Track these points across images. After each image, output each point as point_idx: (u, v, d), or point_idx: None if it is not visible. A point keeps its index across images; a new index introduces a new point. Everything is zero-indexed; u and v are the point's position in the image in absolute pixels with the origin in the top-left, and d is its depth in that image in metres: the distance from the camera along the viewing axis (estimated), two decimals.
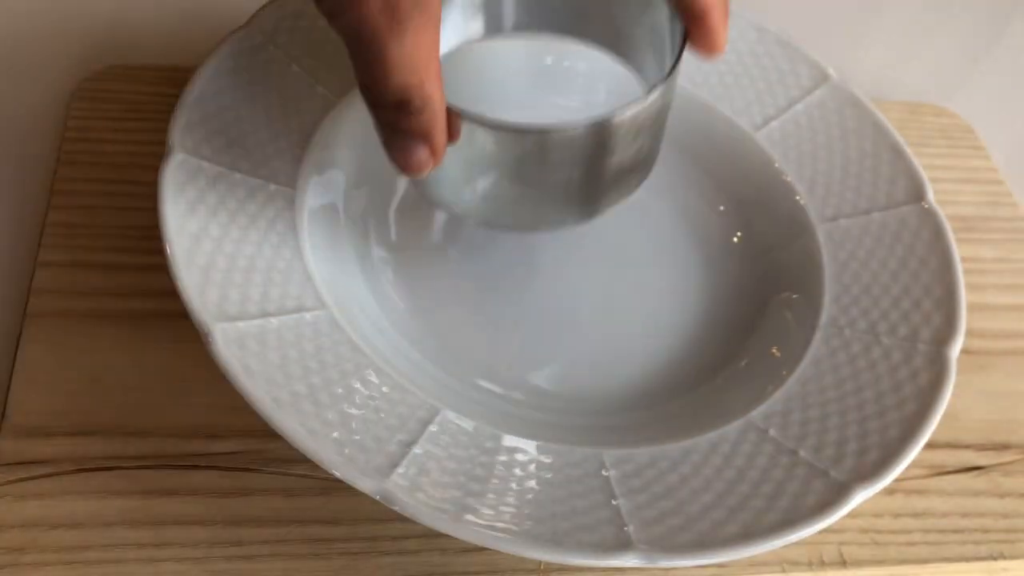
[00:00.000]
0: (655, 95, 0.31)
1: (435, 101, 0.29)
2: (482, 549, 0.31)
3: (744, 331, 0.39)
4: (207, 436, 0.34)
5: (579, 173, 0.32)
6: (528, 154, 0.31)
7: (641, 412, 0.36)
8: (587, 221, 0.36)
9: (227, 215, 0.34)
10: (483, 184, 0.33)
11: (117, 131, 0.41)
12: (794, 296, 0.39)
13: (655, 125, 0.34)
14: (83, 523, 0.31)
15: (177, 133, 0.34)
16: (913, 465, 0.33)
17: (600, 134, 0.31)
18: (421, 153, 0.30)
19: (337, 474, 0.29)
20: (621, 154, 0.32)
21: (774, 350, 0.38)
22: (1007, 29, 0.59)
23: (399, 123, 0.29)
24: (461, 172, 0.33)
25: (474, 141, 0.31)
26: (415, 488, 0.29)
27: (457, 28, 0.37)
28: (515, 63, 0.41)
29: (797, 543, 0.31)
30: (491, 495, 0.30)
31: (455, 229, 0.40)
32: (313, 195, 0.37)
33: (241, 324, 0.31)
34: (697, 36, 0.33)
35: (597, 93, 0.41)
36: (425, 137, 0.30)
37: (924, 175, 0.41)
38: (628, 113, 0.31)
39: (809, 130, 0.43)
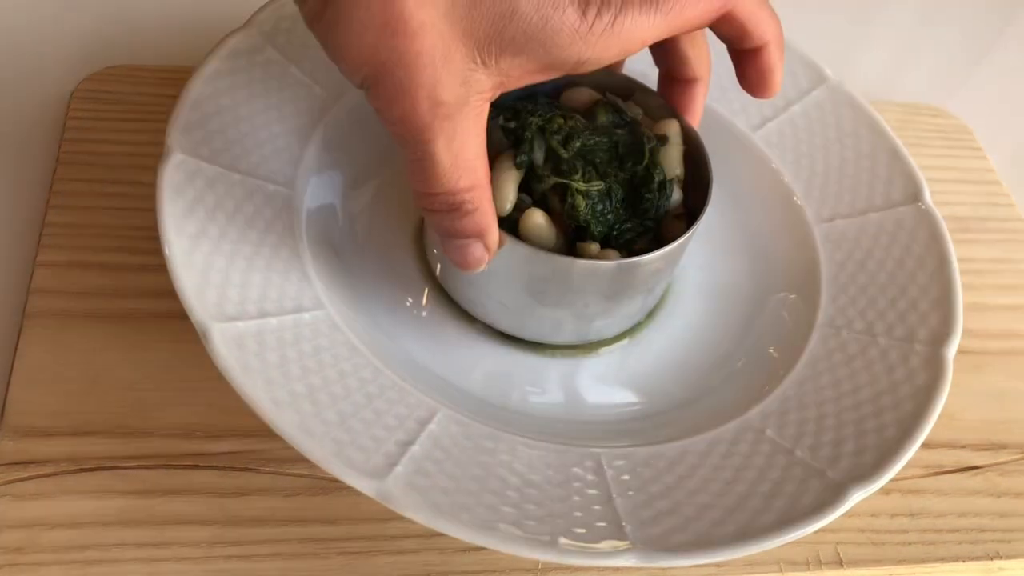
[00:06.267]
0: (674, 246, 0.34)
1: (485, 201, 0.30)
2: (480, 549, 0.31)
3: (741, 331, 0.39)
4: (206, 436, 0.34)
5: (588, 299, 0.35)
6: (551, 275, 0.34)
7: (639, 411, 0.37)
8: (579, 342, 0.38)
9: (225, 216, 0.34)
10: (500, 292, 0.35)
11: (116, 131, 0.42)
12: (791, 296, 0.40)
13: (665, 269, 0.36)
14: (82, 523, 0.32)
15: (176, 133, 0.35)
16: (910, 465, 0.33)
17: (622, 270, 0.34)
18: (476, 251, 0.31)
19: (335, 474, 0.29)
20: (631, 289, 0.35)
21: (771, 350, 0.38)
22: (1004, 31, 0.59)
23: (453, 225, 0.30)
24: (484, 280, 0.35)
25: (508, 256, 0.33)
26: (413, 488, 0.29)
27: None
28: None
29: (794, 543, 0.31)
30: (489, 495, 0.30)
31: None
32: (311, 196, 0.37)
33: (240, 324, 0.31)
34: (751, 75, 0.33)
35: None
36: (480, 235, 0.31)
37: (921, 176, 0.41)
38: (648, 257, 0.33)
39: (807, 131, 0.43)
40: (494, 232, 0.31)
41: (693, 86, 0.35)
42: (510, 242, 0.32)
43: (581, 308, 0.35)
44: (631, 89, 0.38)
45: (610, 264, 0.33)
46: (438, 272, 0.38)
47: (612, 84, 0.37)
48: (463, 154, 0.29)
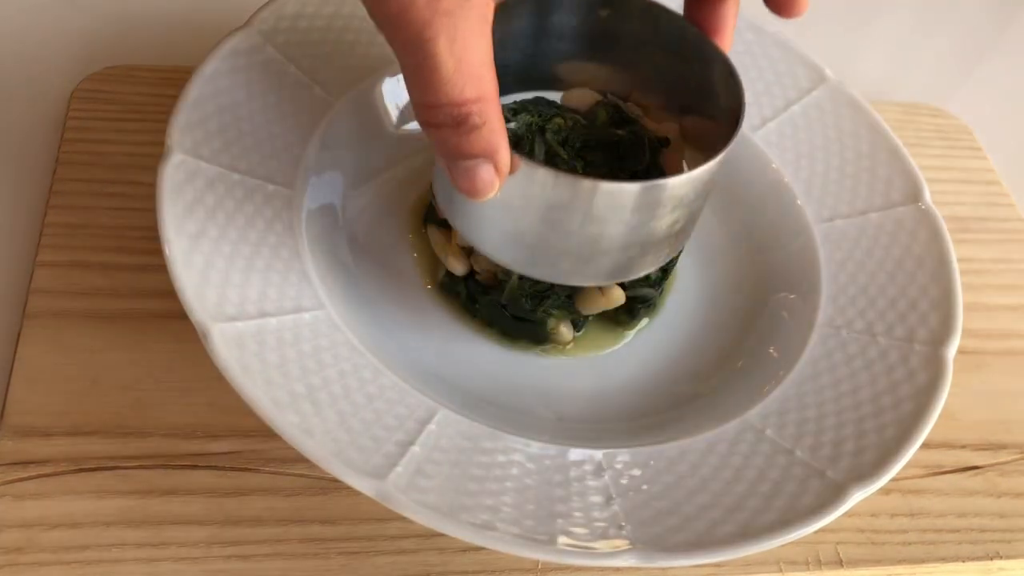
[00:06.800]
0: (703, 170, 0.31)
1: (494, 117, 0.27)
2: (480, 549, 0.31)
3: (741, 331, 0.39)
4: (205, 436, 0.34)
5: (612, 230, 0.32)
6: (571, 201, 0.30)
7: (638, 411, 0.37)
8: (603, 282, 0.35)
9: (225, 215, 0.34)
10: (514, 225, 0.32)
11: (116, 131, 0.41)
12: (791, 296, 0.40)
13: (694, 202, 0.33)
14: (81, 523, 0.32)
15: (175, 133, 0.35)
16: (910, 465, 0.33)
17: (646, 195, 0.30)
18: (485, 173, 0.28)
19: (335, 474, 0.29)
20: (656, 221, 0.32)
21: (771, 350, 0.38)
22: (1004, 31, 0.59)
23: (459, 143, 0.27)
24: (495, 211, 0.32)
25: (522, 181, 0.30)
26: (413, 488, 0.29)
27: None
28: None
29: (794, 543, 0.31)
30: (489, 495, 0.30)
31: None
32: (311, 196, 0.37)
33: (240, 324, 0.31)
34: None
35: None
36: (489, 155, 0.28)
37: (921, 176, 0.41)
38: (675, 180, 0.30)
39: (806, 131, 0.43)
40: (505, 152, 0.28)
41: (722, 5, 0.33)
42: (525, 165, 0.29)
43: (602, 242, 0.32)
44: (631, 85, 0.37)
45: (634, 186, 0.30)
46: (445, 209, 0.35)
47: (614, 81, 0.37)
48: (467, 58, 0.26)
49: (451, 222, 0.34)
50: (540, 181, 0.30)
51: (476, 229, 0.33)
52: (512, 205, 0.31)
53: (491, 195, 0.28)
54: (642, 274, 0.35)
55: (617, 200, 0.30)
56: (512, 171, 0.29)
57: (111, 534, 0.32)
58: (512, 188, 0.30)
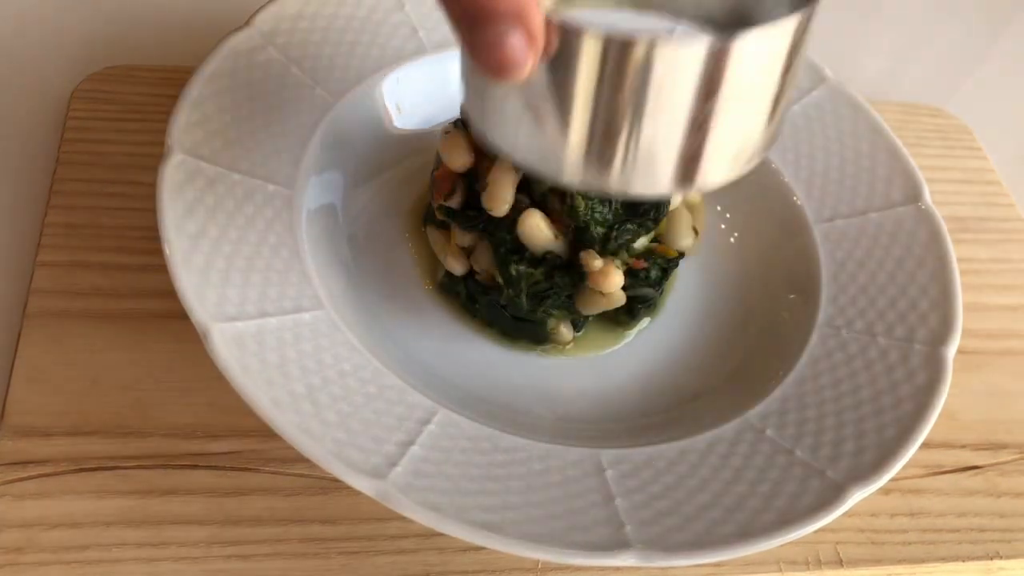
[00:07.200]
0: (787, 23, 0.25)
1: None
2: (480, 548, 0.31)
3: (741, 331, 0.39)
4: (206, 436, 0.34)
5: (683, 112, 0.25)
6: (624, 75, 0.24)
7: (638, 411, 0.37)
8: (676, 191, 0.29)
9: (225, 215, 0.34)
10: (558, 120, 0.26)
11: (116, 131, 0.41)
12: (791, 296, 0.40)
13: (781, 74, 0.26)
14: (82, 523, 0.32)
15: (176, 133, 0.35)
16: (910, 465, 0.33)
17: (716, 59, 0.24)
18: (515, 40, 0.22)
19: (335, 474, 0.29)
20: (732, 101, 0.25)
21: (771, 350, 0.38)
22: (1004, 31, 0.59)
23: (479, 3, 0.22)
24: (533, 106, 0.26)
25: (560, 58, 0.24)
26: (413, 488, 0.29)
27: None
28: None
29: (794, 543, 0.31)
30: (488, 495, 0.30)
31: None
32: (311, 196, 0.37)
33: (240, 324, 0.31)
34: None
35: None
36: (516, 16, 0.22)
37: (921, 176, 0.41)
38: (755, 34, 0.24)
39: (806, 131, 0.43)
40: (536, 14, 0.22)
41: None
42: (563, 33, 0.23)
43: (665, 132, 0.26)
44: None
45: (702, 43, 0.24)
46: (472, 112, 0.28)
47: None
48: None
49: (481, 132, 0.28)
50: (586, 50, 0.24)
51: (513, 134, 0.27)
52: (553, 91, 0.25)
53: (524, 73, 0.23)
54: (717, 182, 0.29)
55: (682, 64, 0.24)
56: (548, 48, 0.23)
57: (111, 534, 0.32)
58: (551, 72, 0.24)
